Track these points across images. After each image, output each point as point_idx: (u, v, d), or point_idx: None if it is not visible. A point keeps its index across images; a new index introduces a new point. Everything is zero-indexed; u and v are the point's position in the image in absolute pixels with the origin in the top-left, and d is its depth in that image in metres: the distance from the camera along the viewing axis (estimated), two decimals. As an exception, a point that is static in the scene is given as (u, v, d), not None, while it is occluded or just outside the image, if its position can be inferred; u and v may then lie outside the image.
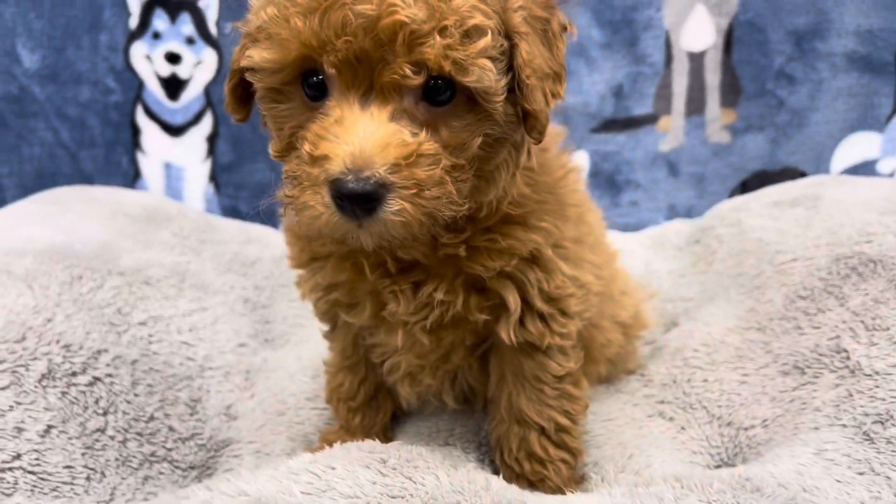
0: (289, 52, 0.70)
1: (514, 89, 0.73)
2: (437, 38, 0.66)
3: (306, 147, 0.69)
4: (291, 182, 0.71)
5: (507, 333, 0.86)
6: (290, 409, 1.14)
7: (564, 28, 0.78)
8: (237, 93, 0.80)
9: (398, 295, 0.86)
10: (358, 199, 0.66)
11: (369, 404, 1.06)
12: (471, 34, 0.68)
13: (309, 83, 0.72)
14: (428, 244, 0.83)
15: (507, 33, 0.72)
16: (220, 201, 1.72)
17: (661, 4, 1.62)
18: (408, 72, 0.67)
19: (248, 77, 0.74)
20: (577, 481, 0.97)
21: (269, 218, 1.70)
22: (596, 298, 0.96)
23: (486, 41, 0.68)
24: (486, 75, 0.69)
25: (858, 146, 1.66)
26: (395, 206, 0.67)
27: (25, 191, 1.65)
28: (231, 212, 1.72)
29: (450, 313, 0.86)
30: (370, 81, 0.68)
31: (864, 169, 1.67)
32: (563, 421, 0.93)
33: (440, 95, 0.70)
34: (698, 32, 1.64)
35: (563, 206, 0.88)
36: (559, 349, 0.91)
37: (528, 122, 0.74)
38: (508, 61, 0.72)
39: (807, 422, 0.94)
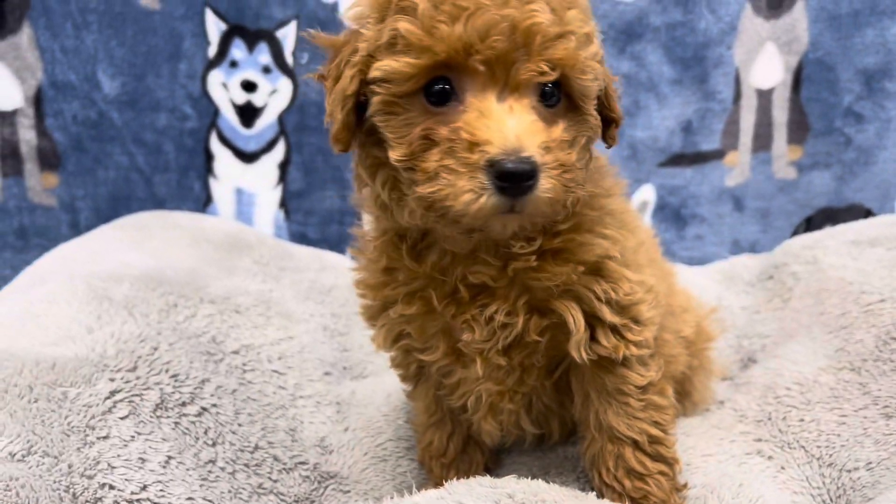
0: (433, 57, 0.74)
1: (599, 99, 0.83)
2: (571, 39, 0.75)
3: (463, 135, 0.73)
4: (439, 174, 0.74)
5: (577, 352, 0.88)
6: (391, 456, 1.14)
7: None
8: (350, 119, 0.81)
9: (471, 323, 0.88)
10: (518, 178, 0.71)
11: (461, 458, 1.07)
12: (583, 41, 0.77)
13: (432, 90, 0.77)
14: (499, 264, 0.86)
15: None
16: (290, 227, 1.74)
17: (733, 42, 1.64)
18: (545, 68, 0.74)
19: (375, 89, 0.77)
20: (680, 489, 0.97)
21: (337, 245, 1.72)
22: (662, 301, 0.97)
23: (595, 47, 0.79)
24: (598, 76, 0.79)
25: (924, 185, 1.68)
26: (546, 185, 0.73)
27: (98, 213, 1.68)
28: (300, 238, 1.73)
29: (512, 335, 0.87)
30: (505, 80, 0.74)
31: (930, 208, 1.68)
32: (655, 432, 0.93)
33: (549, 99, 0.78)
34: (767, 70, 1.66)
35: (623, 212, 0.91)
36: (638, 359, 0.91)
37: (609, 130, 0.86)
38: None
39: (918, 467, 0.95)
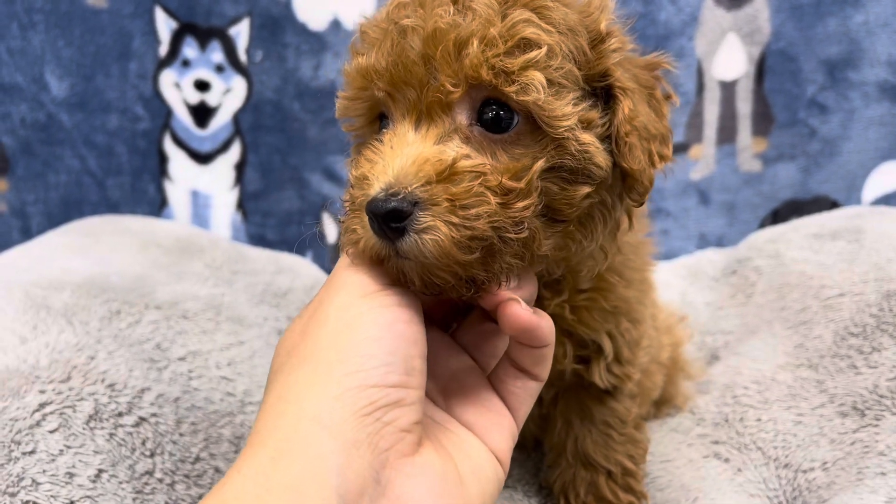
0: (353, 91, 0.69)
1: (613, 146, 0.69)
2: (475, 44, 0.62)
3: (352, 171, 0.66)
4: (347, 209, 0.67)
5: (599, 378, 0.87)
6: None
7: (668, 96, 0.76)
8: None
9: None
10: (385, 218, 0.60)
11: None
12: (521, 46, 0.64)
13: (384, 127, 0.71)
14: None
15: (602, 74, 0.69)
16: (248, 229, 1.71)
17: (694, 33, 1.62)
18: (447, 85, 0.63)
19: (345, 128, 0.74)
20: None
21: (297, 246, 1.68)
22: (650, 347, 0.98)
23: (536, 52, 0.63)
24: (533, 87, 0.63)
25: (890, 175, 1.65)
26: (423, 224, 0.60)
27: (50, 218, 1.64)
28: (258, 240, 1.70)
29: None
30: (421, 106, 0.65)
31: (896, 198, 1.66)
32: (629, 465, 0.94)
33: (498, 122, 0.65)
34: (730, 61, 1.63)
35: (647, 262, 0.91)
36: (629, 394, 0.92)
37: (627, 182, 0.71)
38: (603, 107, 0.69)
39: (872, 466, 0.92)
